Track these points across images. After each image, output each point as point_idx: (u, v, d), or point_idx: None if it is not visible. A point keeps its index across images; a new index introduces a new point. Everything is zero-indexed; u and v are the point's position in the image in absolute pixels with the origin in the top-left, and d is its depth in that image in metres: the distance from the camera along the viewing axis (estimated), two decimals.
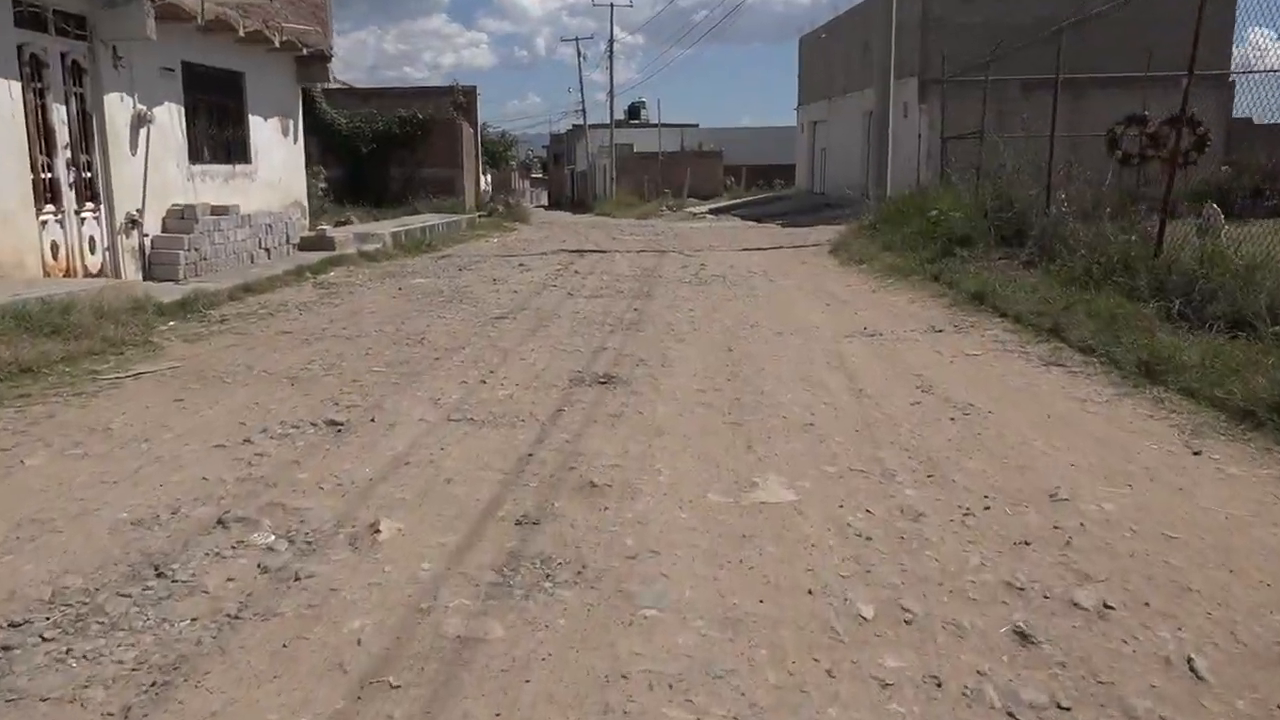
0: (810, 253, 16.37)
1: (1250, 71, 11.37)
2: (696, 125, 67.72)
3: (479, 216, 27.26)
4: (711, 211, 36.31)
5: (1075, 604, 2.93)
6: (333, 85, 45.37)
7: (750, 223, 28.40)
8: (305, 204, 15.12)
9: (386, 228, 16.64)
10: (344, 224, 21.08)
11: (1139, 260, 8.62)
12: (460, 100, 29.69)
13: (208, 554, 3.28)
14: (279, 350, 7.04)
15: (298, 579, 3.08)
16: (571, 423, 4.96)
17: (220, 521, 3.57)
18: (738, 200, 41.49)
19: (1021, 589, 3.04)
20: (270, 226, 12.54)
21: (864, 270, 12.92)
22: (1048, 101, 17.01)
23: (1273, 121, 11.09)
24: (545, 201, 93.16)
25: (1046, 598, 2.98)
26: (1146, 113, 14.00)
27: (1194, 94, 9.20)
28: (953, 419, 5.11)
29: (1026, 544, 3.39)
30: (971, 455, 4.46)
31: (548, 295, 10.24)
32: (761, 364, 6.53)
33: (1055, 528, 3.54)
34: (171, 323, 8.19)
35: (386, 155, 29.31)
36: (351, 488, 3.95)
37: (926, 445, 4.61)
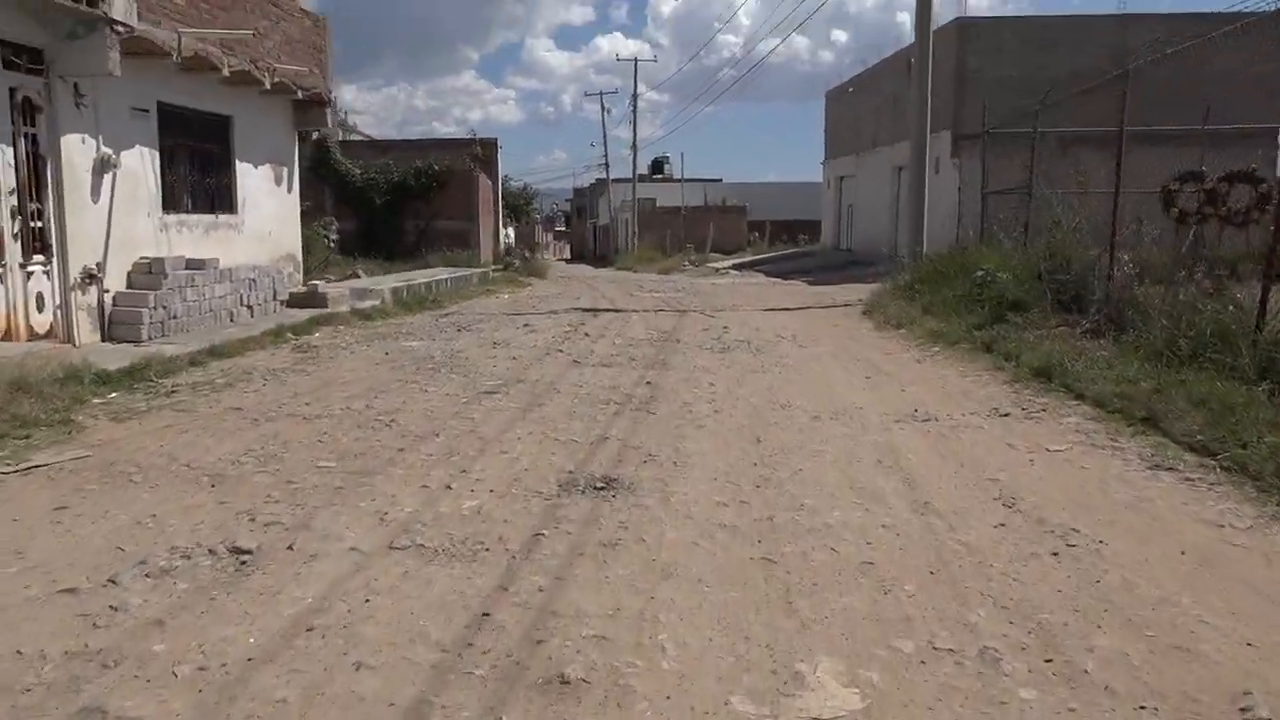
0: (841, 314, 15.19)
1: None
2: (720, 180, 67.22)
3: (494, 271, 26.34)
4: (735, 267, 35.30)
5: None
6: (354, 137, 45.22)
7: (775, 279, 27.30)
8: (299, 257, 14.14)
9: (389, 283, 15.64)
10: (350, 277, 20.17)
11: (1238, 334, 7.37)
12: (477, 152, 28.96)
13: None
14: (217, 434, 5.89)
15: None
16: (551, 556, 3.74)
17: None
18: (761, 256, 40.51)
19: None
20: (255, 281, 11.52)
21: (904, 336, 11.70)
22: (1087, 157, 15.93)
23: None
24: (568, 255, 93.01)
25: None
26: (1204, 169, 12.84)
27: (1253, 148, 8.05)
28: (1055, 554, 3.86)
29: None
30: (1098, 622, 3.20)
31: (550, 363, 9.08)
32: (798, 462, 5.30)
33: None
34: (112, 394, 7.07)
35: (401, 207, 28.57)
36: (217, 676, 2.74)
37: (1031, 601, 3.36)
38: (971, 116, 26.88)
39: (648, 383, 7.83)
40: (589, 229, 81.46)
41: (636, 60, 55.28)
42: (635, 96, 53.99)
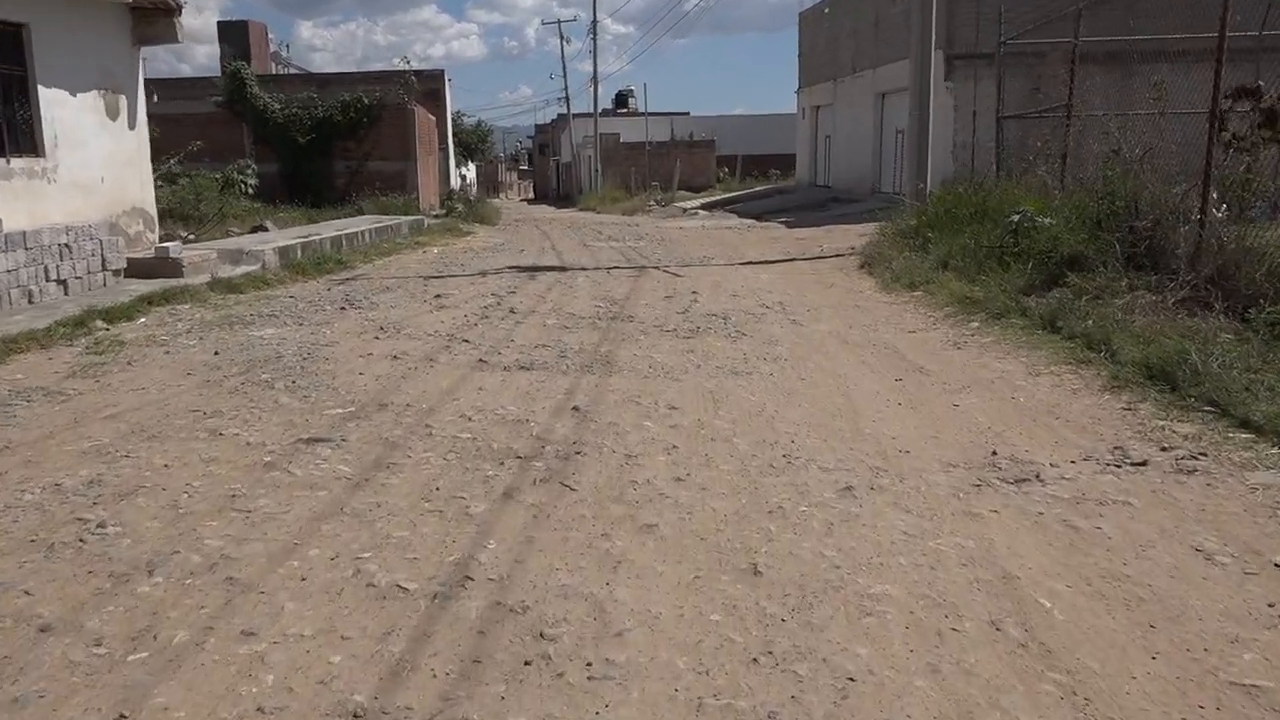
0: (834, 268, 12.52)
1: None
2: (687, 114, 63.82)
3: (434, 217, 23.34)
4: (704, 206, 32.43)
5: None
6: (290, 71, 41.53)
7: (749, 221, 24.53)
8: (151, 211, 11.19)
9: (280, 239, 12.73)
10: (256, 230, 17.20)
11: None
12: (412, 82, 25.68)
13: None
14: None
15: None
16: None
17: None
18: (733, 194, 37.59)
19: None
20: (69, 248, 8.63)
21: (922, 302, 9.08)
22: (1097, 77, 13.28)
23: None
24: (531, 195, 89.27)
25: None
26: (1260, 83, 10.17)
27: None
28: None
29: None
30: None
31: (443, 366, 6.36)
32: (836, 635, 2.67)
33: None
34: None
35: (329, 147, 25.35)
36: None
37: None
38: (966, 34, 23.98)
39: (575, 408, 5.12)
40: (552, 167, 77.95)
41: None
42: (595, 23, 50.30)
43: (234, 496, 3.77)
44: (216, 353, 6.72)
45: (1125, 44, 13.66)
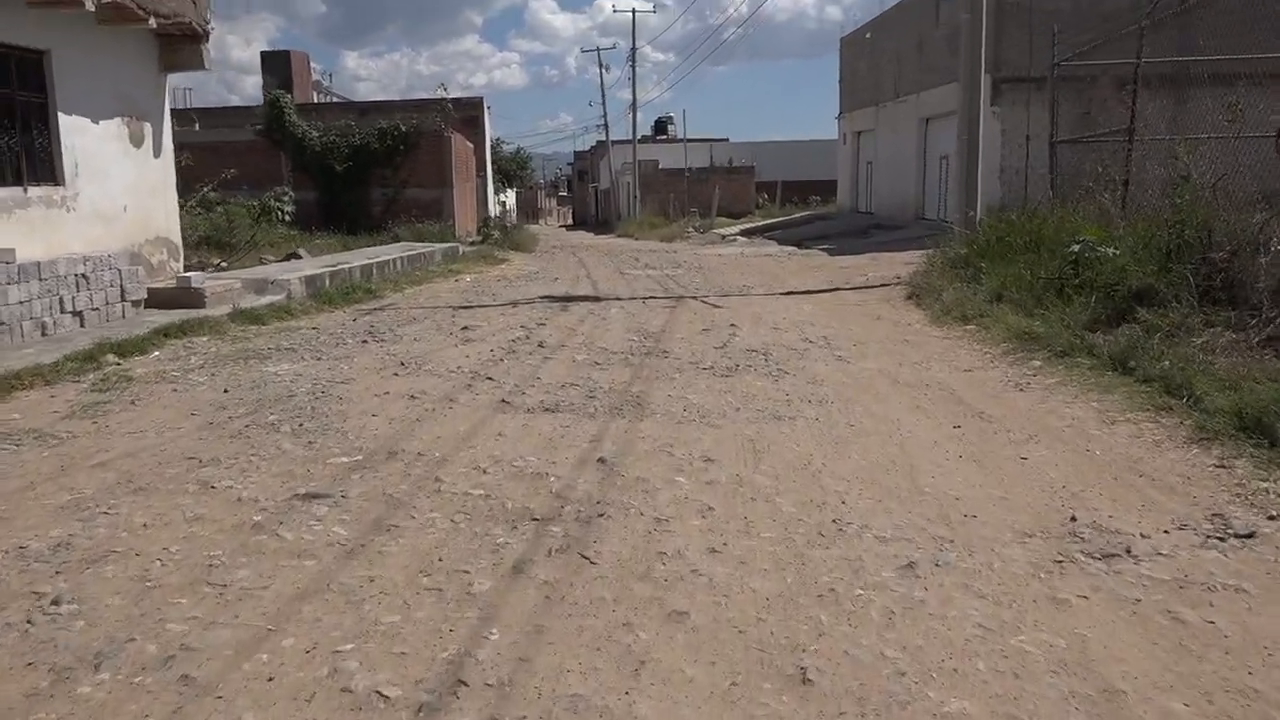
0: (880, 299, 11.97)
1: None
2: (726, 140, 63.59)
3: (469, 244, 23.13)
4: (743, 233, 31.99)
5: None
6: (331, 99, 41.88)
7: (789, 248, 24.02)
8: (176, 240, 10.95)
9: (309, 268, 12.46)
10: (289, 258, 17.04)
11: None
12: (449, 109, 25.59)
13: None
14: None
15: None
16: None
17: None
18: (772, 220, 37.13)
19: None
20: (87, 278, 8.37)
21: (976, 337, 8.52)
22: (1149, 101, 12.66)
23: None
24: (569, 221, 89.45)
25: None
26: None
27: None
28: None
29: None
30: None
31: (463, 407, 5.93)
32: None
33: None
34: None
35: (366, 175, 25.31)
36: None
37: None
38: (1013, 57, 23.37)
39: (601, 460, 4.65)
40: (590, 193, 78.08)
41: (634, 10, 51.33)
42: (634, 50, 50.32)
43: (211, 566, 3.34)
44: (226, 390, 6.36)
45: (1180, 66, 13.06)
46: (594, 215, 71.02)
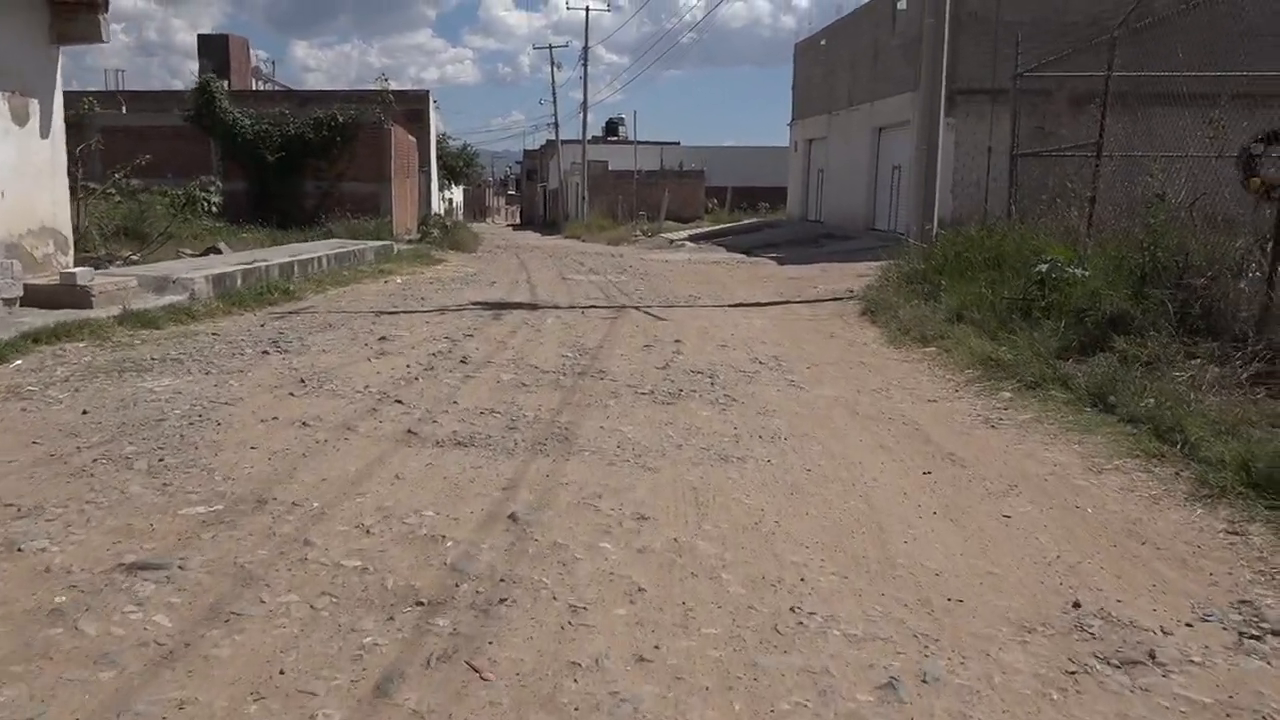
0: (833, 314, 11.35)
1: None
2: (678, 143, 63.10)
3: (406, 243, 22.15)
4: (691, 238, 31.38)
5: None
6: (269, 87, 40.41)
7: (738, 256, 23.44)
8: (65, 231, 9.88)
9: (220, 265, 11.45)
10: (208, 253, 15.94)
11: None
12: (390, 101, 24.56)
13: None
14: None
15: None
16: None
17: None
18: (721, 226, 36.59)
19: None
20: None
21: (939, 361, 7.92)
22: (1097, 117, 12.30)
23: None
24: (517, 220, 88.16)
25: None
26: None
27: None
28: None
29: None
30: None
31: (363, 437, 5.10)
32: None
33: None
34: None
35: (300, 166, 24.12)
36: None
37: None
38: (970, 69, 23.03)
39: (513, 517, 3.86)
40: (539, 193, 77.10)
41: (588, 8, 50.55)
42: (586, 47, 49.51)
43: None
44: (85, 412, 5.45)
45: (1136, 83, 12.68)
46: (542, 215, 70.13)
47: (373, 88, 26.57)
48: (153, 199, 21.53)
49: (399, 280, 14.44)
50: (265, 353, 7.45)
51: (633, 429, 5.40)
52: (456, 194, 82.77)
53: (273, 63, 46.62)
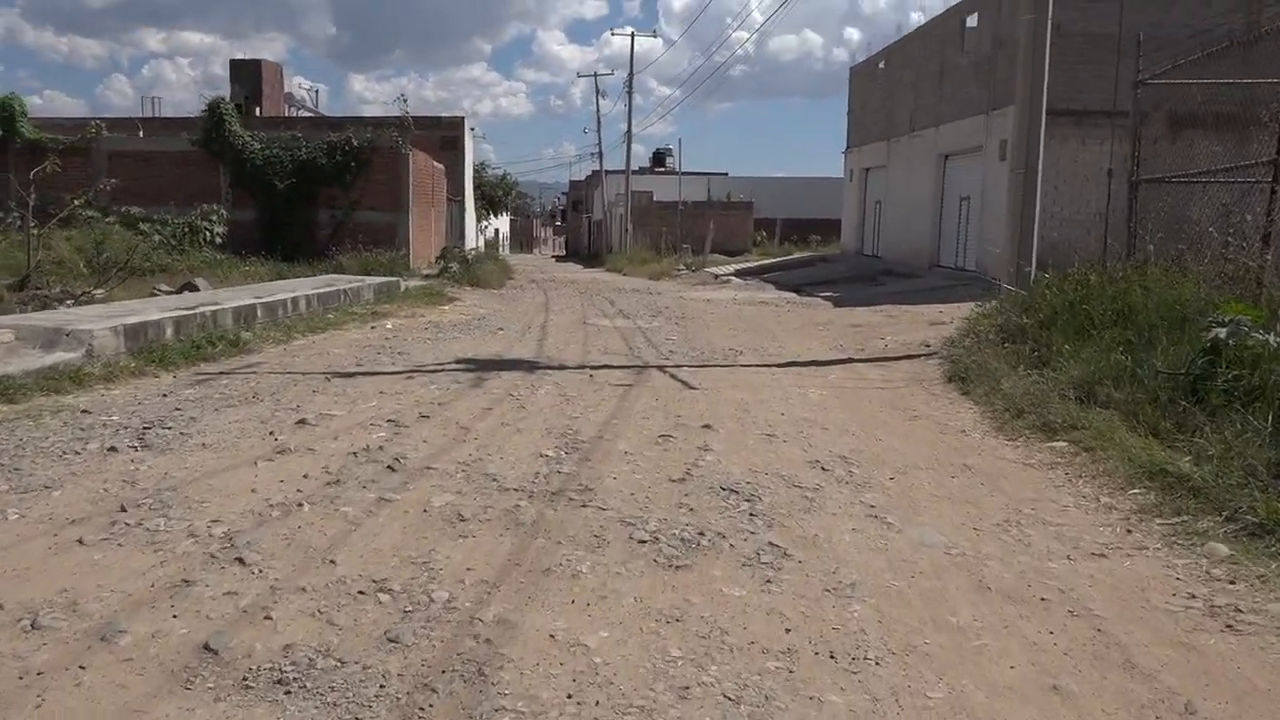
0: (909, 378, 8.95)
1: None
2: (725, 174, 61.01)
3: (420, 278, 20.14)
4: (738, 273, 29.07)
5: None
6: (303, 113, 39.06)
7: (788, 295, 21.07)
8: None
9: (157, 311, 9.36)
10: (184, 289, 13.97)
11: None
12: (408, 123, 22.68)
13: None
14: None
15: None
16: None
17: None
18: (769, 260, 34.23)
19: None
20: None
21: (1078, 465, 5.50)
22: (1202, 144, 9.96)
23: None
24: (562, 251, 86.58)
25: None
26: None
27: None
28: None
29: None
30: None
31: (120, 654, 2.86)
32: None
33: None
34: None
35: (313, 194, 22.30)
36: None
37: None
38: (1052, 89, 20.67)
39: None
40: (584, 224, 75.52)
41: (633, 33, 48.82)
42: (631, 74, 47.65)
43: None
44: None
45: (1243, 105, 10.22)
46: (586, 246, 68.44)
47: (399, 113, 24.78)
48: (100, 230, 19.53)
49: (389, 326, 12.30)
50: (113, 449, 5.24)
51: (608, 643, 3.07)
52: (503, 224, 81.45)
53: (316, 91, 45.39)
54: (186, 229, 20.34)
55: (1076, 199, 17.99)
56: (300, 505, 4.36)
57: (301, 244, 21.61)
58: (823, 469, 5.40)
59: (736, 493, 4.82)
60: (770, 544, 4.06)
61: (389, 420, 6.23)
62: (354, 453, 5.34)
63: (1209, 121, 10.45)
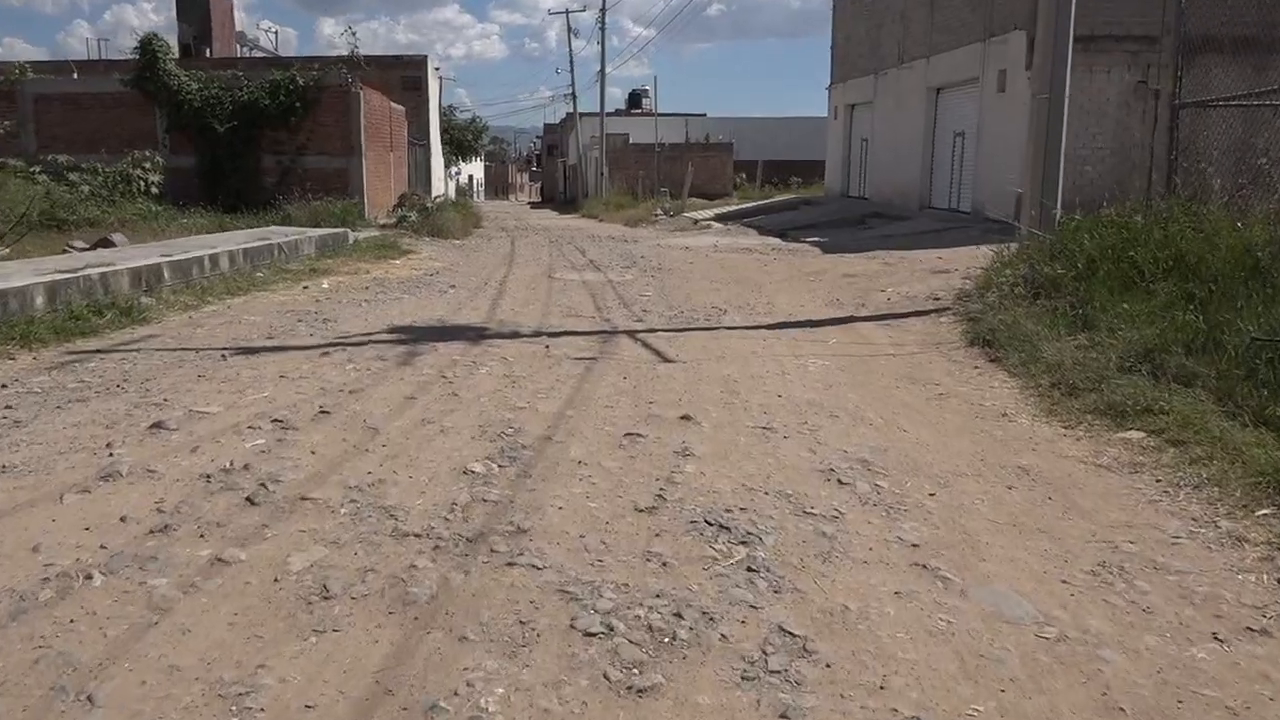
0: (923, 338, 7.60)
1: None
2: (704, 115, 58.88)
3: (380, 227, 18.56)
4: (718, 218, 27.55)
5: None
6: (256, 53, 36.83)
7: (773, 240, 19.62)
8: None
9: (33, 274, 7.85)
10: (102, 245, 12.38)
11: None
12: (358, 60, 20.87)
13: None
14: None
15: None
16: None
17: None
18: (752, 204, 32.67)
19: None
20: None
21: (1167, 465, 4.16)
22: (1218, 69, 8.71)
23: None
24: (538, 197, 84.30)
25: None
26: None
27: None
28: None
29: None
30: None
31: None
32: None
33: None
34: None
35: (255, 138, 20.52)
36: None
37: None
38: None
39: None
40: (559, 168, 73.36)
41: None
42: (604, 10, 45.44)
43: None
44: None
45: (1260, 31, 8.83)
46: (562, 192, 66.42)
47: (390, 54, 22.84)
48: (81, 178, 18.04)
49: (325, 285, 10.80)
50: None
51: None
52: (476, 170, 78.93)
53: (276, 33, 43.03)
54: (120, 178, 18.63)
55: (1086, 133, 16.55)
56: (90, 576, 2.97)
57: (246, 193, 19.94)
58: (840, 482, 4.05)
59: (728, 530, 3.47)
60: (781, 630, 2.72)
61: (275, 420, 4.81)
62: (208, 475, 3.93)
63: (1228, 47, 9.08)
